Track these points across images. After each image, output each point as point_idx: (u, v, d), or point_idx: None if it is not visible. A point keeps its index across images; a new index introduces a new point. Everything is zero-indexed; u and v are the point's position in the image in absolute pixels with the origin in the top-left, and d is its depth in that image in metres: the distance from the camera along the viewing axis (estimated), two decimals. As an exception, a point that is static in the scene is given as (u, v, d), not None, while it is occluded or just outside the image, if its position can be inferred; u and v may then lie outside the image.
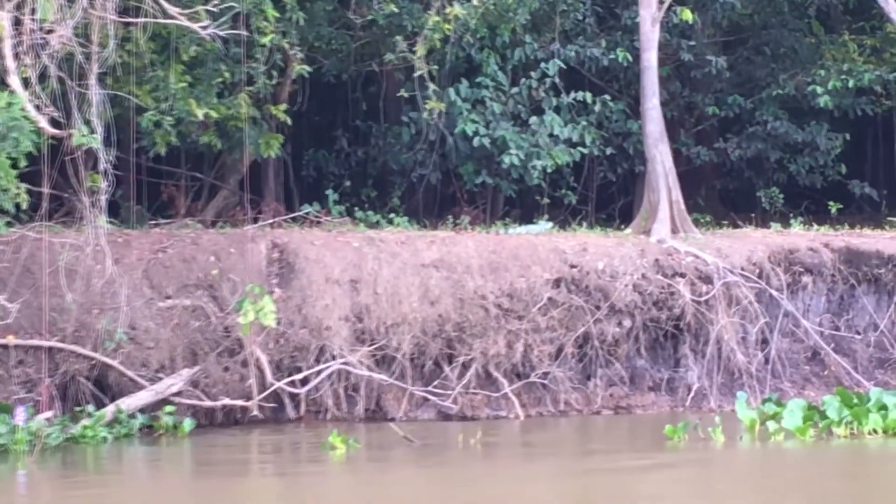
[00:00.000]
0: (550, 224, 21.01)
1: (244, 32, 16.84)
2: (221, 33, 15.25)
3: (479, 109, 21.88)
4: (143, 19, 15.23)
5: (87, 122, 14.97)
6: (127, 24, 16.00)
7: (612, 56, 23.16)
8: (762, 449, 15.38)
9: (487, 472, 14.07)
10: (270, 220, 19.39)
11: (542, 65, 22.46)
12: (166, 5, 14.66)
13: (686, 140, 24.96)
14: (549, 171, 22.08)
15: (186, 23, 14.76)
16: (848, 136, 25.52)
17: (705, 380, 18.21)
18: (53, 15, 14.12)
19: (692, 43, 24.32)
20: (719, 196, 26.59)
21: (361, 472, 14.24)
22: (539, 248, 18.43)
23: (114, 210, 19.77)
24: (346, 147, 23.82)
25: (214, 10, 15.18)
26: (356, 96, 23.73)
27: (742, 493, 12.85)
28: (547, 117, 22.10)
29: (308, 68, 19.62)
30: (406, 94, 20.63)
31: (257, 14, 17.82)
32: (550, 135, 22.04)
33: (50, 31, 14.35)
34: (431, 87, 20.13)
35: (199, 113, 17.89)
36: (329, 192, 21.37)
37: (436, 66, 20.83)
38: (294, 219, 20.01)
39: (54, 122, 15.01)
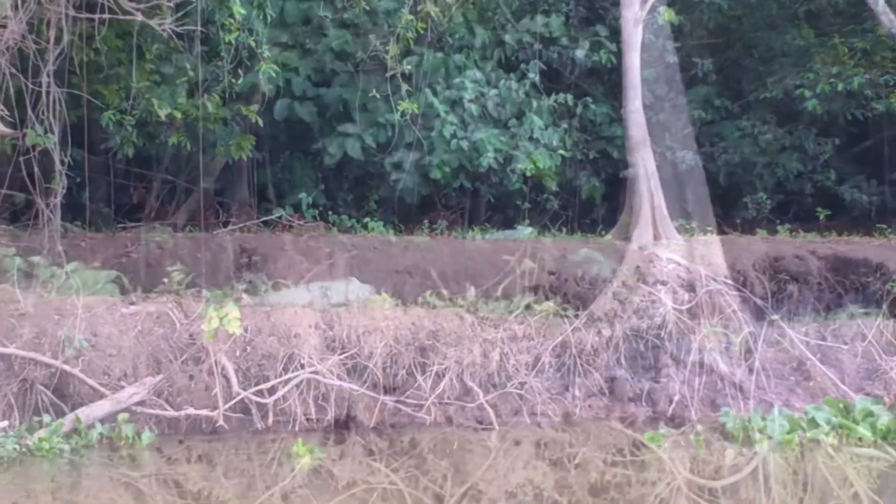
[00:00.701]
0: (529, 229, 20.64)
1: (201, 28, 16.39)
2: (178, 29, 14.80)
3: (458, 111, 21.47)
4: (99, 15, 14.76)
5: (43, 122, 14.55)
6: (91, 22, 15.57)
7: (595, 58, 22.79)
8: (746, 455, 15.11)
9: (460, 482, 13.78)
10: (241, 224, 19.05)
11: (523, 66, 22.09)
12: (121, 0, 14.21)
13: (671, 144, 24.52)
14: (529, 174, 21.68)
15: (142, 18, 14.29)
16: (837, 141, 25.19)
17: (687, 390, 17.78)
18: (7, 10, 13.67)
19: (678, 45, 23.93)
20: (705, 202, 26.14)
21: (326, 483, 13.90)
22: (516, 254, 18.08)
23: (81, 212, 19.41)
24: (322, 149, 23.33)
25: (170, 5, 14.72)
26: (332, 97, 23.24)
27: (728, 496, 12.81)
28: (527, 120, 21.70)
29: (276, 67, 19.20)
30: (379, 96, 20.21)
31: (222, 11, 17.41)
32: (531, 138, 21.64)
33: (3, 27, 13.91)
34: (405, 87, 19.75)
35: (162, 113, 17.52)
36: (302, 195, 20.97)
37: (409, 67, 20.44)
38: (266, 223, 19.64)
39: (11, 122, 14.64)
